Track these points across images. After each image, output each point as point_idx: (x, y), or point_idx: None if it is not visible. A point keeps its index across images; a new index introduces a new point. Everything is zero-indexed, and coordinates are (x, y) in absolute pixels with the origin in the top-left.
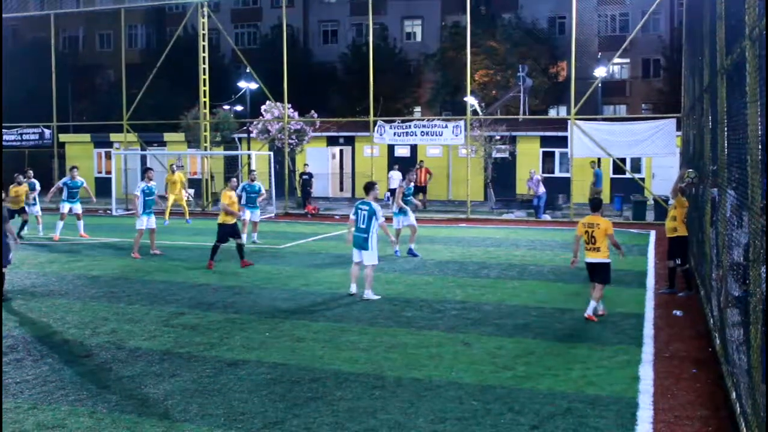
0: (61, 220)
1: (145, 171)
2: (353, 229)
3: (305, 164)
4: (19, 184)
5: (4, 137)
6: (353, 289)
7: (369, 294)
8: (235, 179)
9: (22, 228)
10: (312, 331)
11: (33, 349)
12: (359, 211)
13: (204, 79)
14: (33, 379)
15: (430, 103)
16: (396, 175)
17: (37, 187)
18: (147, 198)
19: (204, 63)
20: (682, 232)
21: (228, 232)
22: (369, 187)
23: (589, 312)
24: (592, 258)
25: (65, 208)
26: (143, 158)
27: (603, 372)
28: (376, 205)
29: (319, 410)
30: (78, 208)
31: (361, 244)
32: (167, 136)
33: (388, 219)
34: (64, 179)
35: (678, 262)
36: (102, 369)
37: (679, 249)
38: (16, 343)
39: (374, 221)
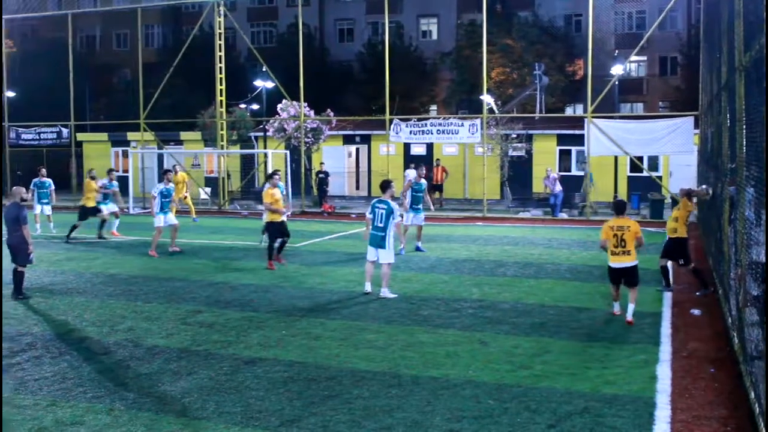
0: (111, 219)
1: (165, 173)
2: (370, 227)
3: (321, 163)
4: (93, 178)
5: (23, 136)
6: (368, 287)
7: (386, 292)
8: (277, 176)
9: (102, 227)
10: (328, 329)
11: (52, 346)
12: (376, 209)
13: (220, 78)
14: (52, 376)
15: (446, 102)
16: (411, 174)
17: (52, 185)
18: (164, 200)
19: (220, 62)
20: (682, 234)
21: (278, 229)
22: (385, 185)
23: (629, 317)
24: (622, 262)
25: (107, 209)
26: (160, 157)
27: (620, 371)
28: (393, 204)
29: (335, 408)
30: (113, 207)
31: (379, 243)
32: (184, 135)
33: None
34: (102, 181)
35: (681, 263)
36: (120, 366)
37: (678, 250)
38: (35, 341)
39: (391, 220)
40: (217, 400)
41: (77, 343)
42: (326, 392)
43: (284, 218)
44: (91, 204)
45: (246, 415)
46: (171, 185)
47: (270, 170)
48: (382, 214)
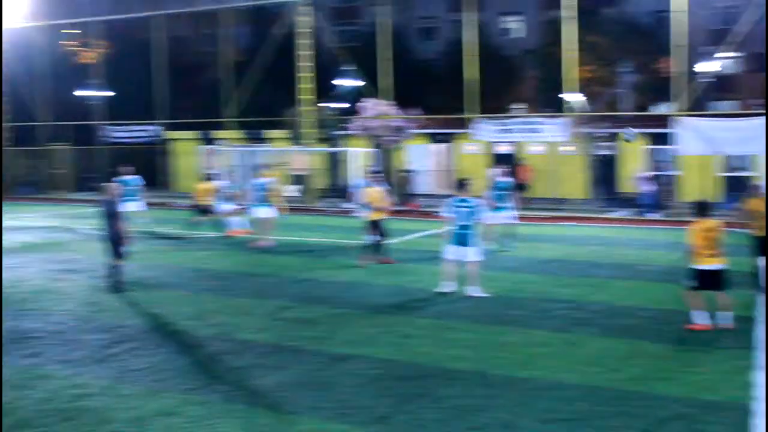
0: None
1: (257, 168)
2: (451, 226)
3: (406, 161)
4: (209, 179)
5: (115, 135)
6: (449, 287)
7: (476, 291)
8: (381, 173)
9: (218, 226)
10: (417, 327)
11: (148, 338)
12: (458, 208)
13: (304, 77)
14: (148, 367)
15: (530, 100)
16: (494, 172)
17: (140, 182)
18: (258, 193)
19: (304, 61)
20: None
21: (377, 227)
22: (463, 183)
23: (726, 323)
24: (714, 265)
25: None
26: (246, 155)
27: (714, 377)
28: (475, 201)
29: (425, 407)
30: (231, 207)
31: (464, 241)
32: (269, 133)
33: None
34: (221, 182)
35: None
36: (213, 360)
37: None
38: (132, 332)
39: (475, 217)
40: (309, 395)
41: (172, 336)
42: (416, 390)
43: (384, 217)
44: (205, 203)
45: (337, 411)
46: (264, 180)
47: (358, 168)
48: (465, 212)
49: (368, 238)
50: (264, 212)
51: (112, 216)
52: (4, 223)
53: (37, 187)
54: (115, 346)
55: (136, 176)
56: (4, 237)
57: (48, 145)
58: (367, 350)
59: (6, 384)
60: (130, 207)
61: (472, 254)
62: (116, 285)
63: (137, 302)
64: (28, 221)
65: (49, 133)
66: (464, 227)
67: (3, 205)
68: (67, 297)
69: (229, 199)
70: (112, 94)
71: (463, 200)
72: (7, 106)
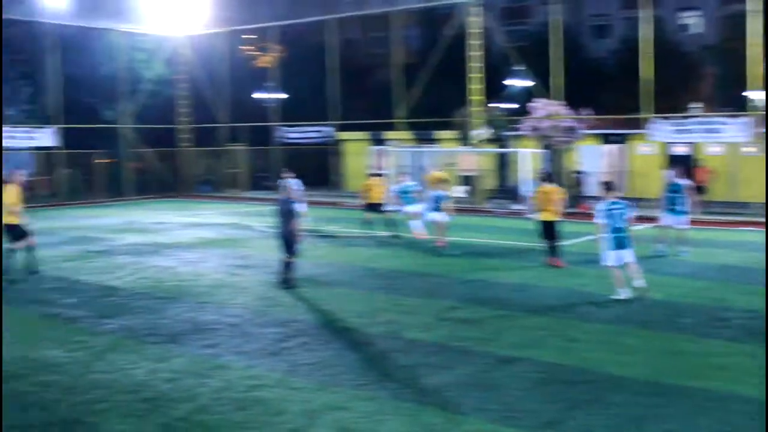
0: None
1: (402, 173)
2: (607, 232)
3: (577, 162)
4: (378, 176)
5: (289, 136)
6: (625, 293)
7: (640, 282)
8: (549, 173)
9: (390, 227)
10: (585, 331)
11: (318, 333)
12: (612, 211)
13: (474, 77)
14: (319, 362)
15: (708, 98)
16: (670, 174)
17: (299, 185)
18: (405, 195)
19: (474, 61)
20: None
21: (548, 229)
22: (610, 185)
23: None
24: None
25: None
26: (415, 155)
27: None
28: (624, 202)
29: (594, 413)
30: (415, 208)
31: (624, 243)
32: (438, 134)
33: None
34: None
35: None
36: (382, 357)
37: None
38: (303, 327)
39: (627, 218)
40: (475, 396)
41: (341, 332)
42: (584, 396)
43: (556, 219)
44: (374, 201)
45: (504, 413)
46: (409, 183)
47: (527, 170)
48: (619, 214)
49: (543, 241)
50: (438, 215)
51: (287, 214)
52: (186, 219)
53: (214, 185)
54: (287, 340)
55: (296, 179)
56: (185, 232)
57: (226, 146)
58: (534, 353)
59: (186, 372)
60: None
61: (629, 256)
62: (289, 281)
63: (308, 298)
64: (207, 218)
65: (227, 134)
66: (619, 230)
67: (178, 202)
68: (242, 291)
69: (413, 200)
70: (286, 96)
71: (613, 203)
72: (189, 108)
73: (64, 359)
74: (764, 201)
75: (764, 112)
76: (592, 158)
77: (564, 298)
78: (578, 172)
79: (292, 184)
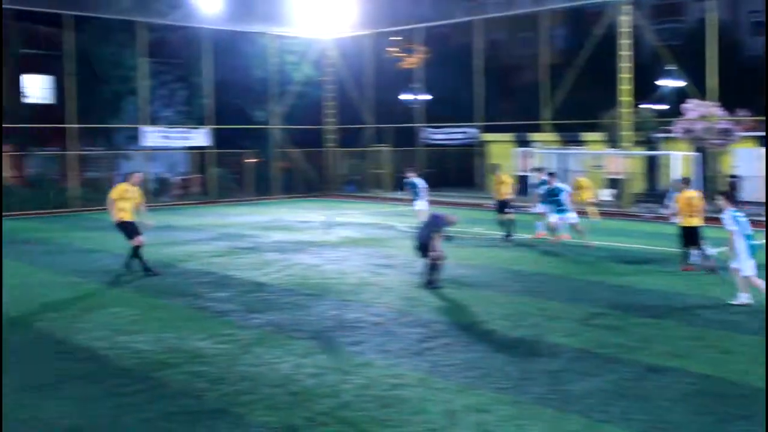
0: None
1: (551, 174)
2: (743, 240)
3: (732, 166)
4: (494, 172)
5: (433, 137)
6: (747, 298)
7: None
8: (687, 178)
9: (508, 229)
10: (739, 343)
11: (461, 335)
12: (739, 218)
13: (624, 78)
14: (461, 363)
15: None
16: None
17: (422, 185)
18: (550, 198)
19: (624, 61)
20: None
21: (688, 234)
22: (729, 194)
23: None
24: None
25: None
26: (561, 157)
27: None
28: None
29: (748, 430)
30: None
31: (753, 252)
32: (585, 136)
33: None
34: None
35: None
36: (524, 361)
37: None
38: (446, 329)
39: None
40: (621, 405)
41: (484, 335)
42: (737, 410)
43: (698, 224)
44: (502, 198)
45: (651, 425)
46: (559, 185)
47: (677, 173)
48: (745, 222)
49: (683, 246)
50: (571, 217)
51: (432, 227)
52: (331, 218)
53: (359, 185)
54: (430, 340)
55: (418, 179)
56: (330, 231)
57: (370, 146)
58: (684, 363)
59: (331, 368)
60: (416, 206)
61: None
62: (433, 282)
63: (451, 299)
64: (351, 217)
65: (372, 135)
66: (750, 237)
67: (324, 202)
68: (386, 290)
69: (558, 202)
70: (431, 97)
71: (737, 211)
72: (335, 109)
73: (213, 351)
74: None
75: None
76: (748, 162)
77: (715, 308)
78: (733, 176)
79: (418, 183)
